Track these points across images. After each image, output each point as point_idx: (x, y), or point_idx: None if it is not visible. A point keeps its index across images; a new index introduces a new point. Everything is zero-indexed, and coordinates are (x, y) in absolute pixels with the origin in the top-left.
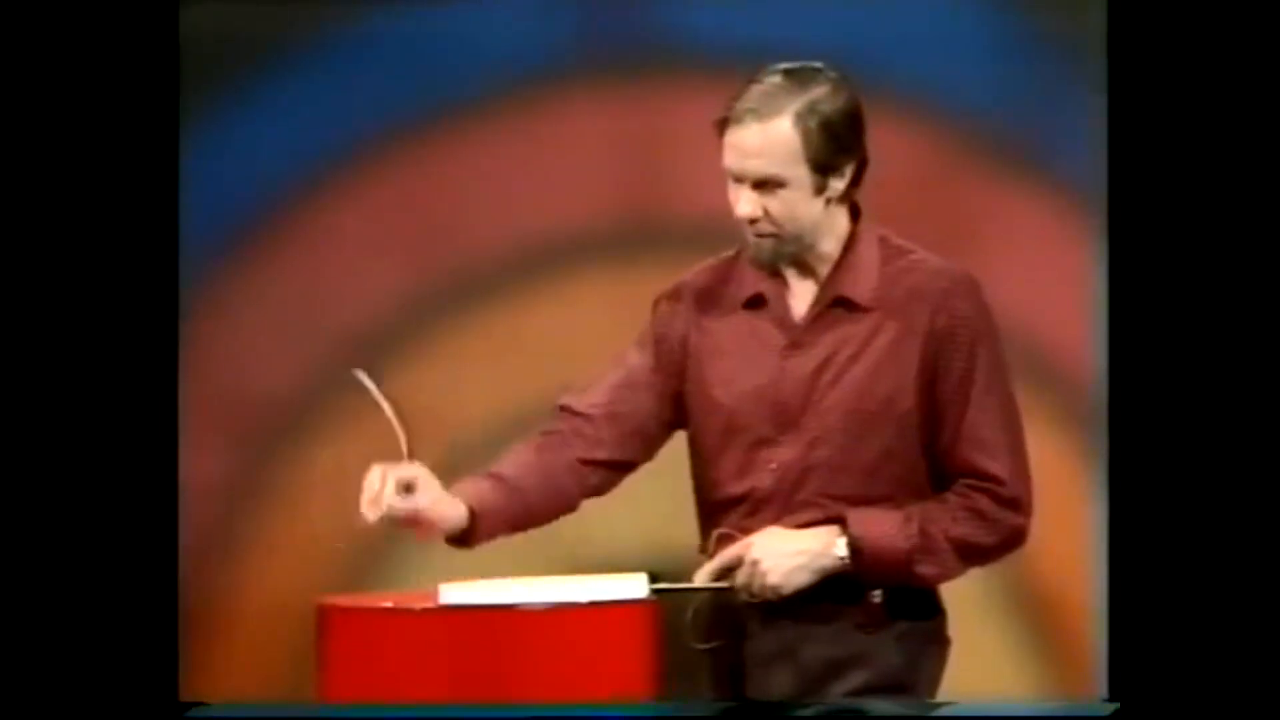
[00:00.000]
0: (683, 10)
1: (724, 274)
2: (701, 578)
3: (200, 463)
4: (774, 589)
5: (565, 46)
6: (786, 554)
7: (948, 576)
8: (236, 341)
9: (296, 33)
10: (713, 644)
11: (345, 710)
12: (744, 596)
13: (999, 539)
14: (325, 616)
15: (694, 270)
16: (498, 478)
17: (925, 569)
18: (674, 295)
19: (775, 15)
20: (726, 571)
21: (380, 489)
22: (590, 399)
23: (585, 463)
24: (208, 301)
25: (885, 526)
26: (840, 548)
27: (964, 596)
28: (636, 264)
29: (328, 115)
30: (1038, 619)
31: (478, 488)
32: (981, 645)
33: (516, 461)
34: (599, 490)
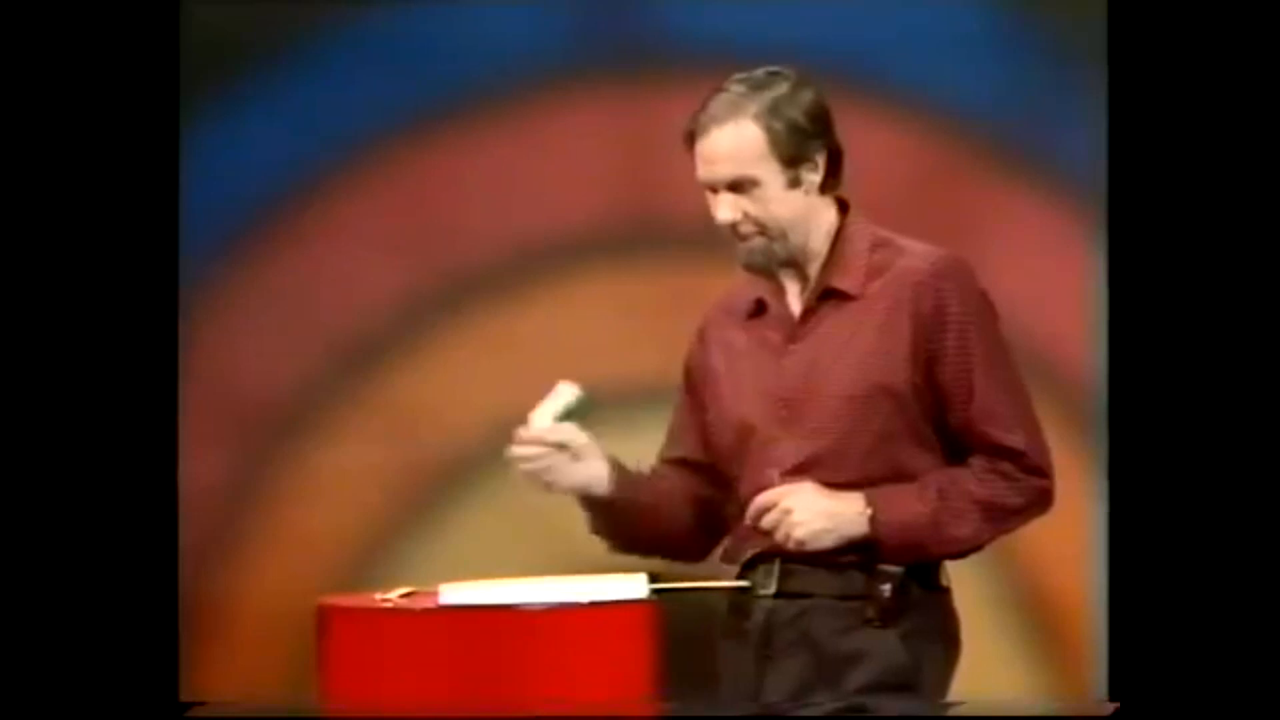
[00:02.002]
0: (682, 10)
1: (732, 294)
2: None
3: (200, 463)
4: (799, 542)
5: (564, 46)
6: (819, 512)
7: (979, 539)
8: (236, 341)
9: (296, 33)
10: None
11: (345, 710)
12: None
13: (1026, 500)
14: (325, 616)
15: (710, 303)
16: (638, 474)
17: (953, 530)
18: (697, 331)
19: (774, 16)
20: (759, 514)
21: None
22: (678, 449)
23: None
24: (208, 301)
25: (903, 495)
26: (866, 516)
27: (964, 596)
28: (636, 264)
29: (328, 115)
30: (1038, 619)
31: (619, 467)
32: (981, 645)
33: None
34: (710, 529)
